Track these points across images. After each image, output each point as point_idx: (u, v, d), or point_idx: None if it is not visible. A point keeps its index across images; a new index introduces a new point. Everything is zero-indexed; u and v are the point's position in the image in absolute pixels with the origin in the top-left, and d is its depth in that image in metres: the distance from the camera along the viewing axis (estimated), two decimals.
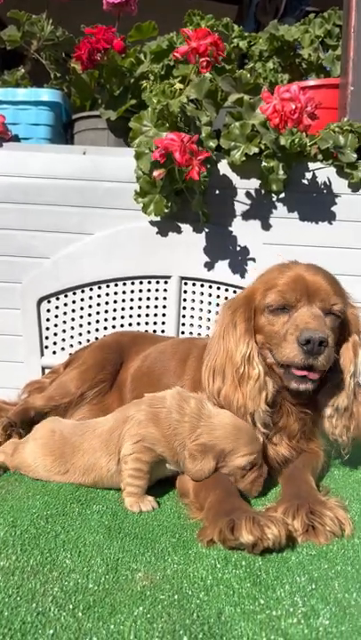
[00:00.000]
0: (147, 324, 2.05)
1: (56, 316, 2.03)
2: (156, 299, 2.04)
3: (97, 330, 2.04)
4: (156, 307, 2.05)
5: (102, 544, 1.03)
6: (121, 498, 1.23)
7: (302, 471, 1.29)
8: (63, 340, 2.04)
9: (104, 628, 0.78)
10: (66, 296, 2.03)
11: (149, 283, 2.04)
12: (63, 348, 2.04)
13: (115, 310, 2.04)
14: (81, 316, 2.04)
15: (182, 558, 1.00)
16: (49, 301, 2.03)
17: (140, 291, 2.04)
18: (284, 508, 1.13)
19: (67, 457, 1.31)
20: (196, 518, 1.14)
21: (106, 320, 2.04)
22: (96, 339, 2.01)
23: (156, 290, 2.04)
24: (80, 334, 2.04)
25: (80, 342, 2.03)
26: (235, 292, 2.01)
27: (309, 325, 1.19)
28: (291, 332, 1.21)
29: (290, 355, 1.20)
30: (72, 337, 2.04)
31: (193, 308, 2.05)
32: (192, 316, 2.05)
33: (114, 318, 2.04)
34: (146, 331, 2.04)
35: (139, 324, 2.05)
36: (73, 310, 2.03)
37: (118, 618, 0.80)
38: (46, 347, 2.04)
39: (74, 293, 2.03)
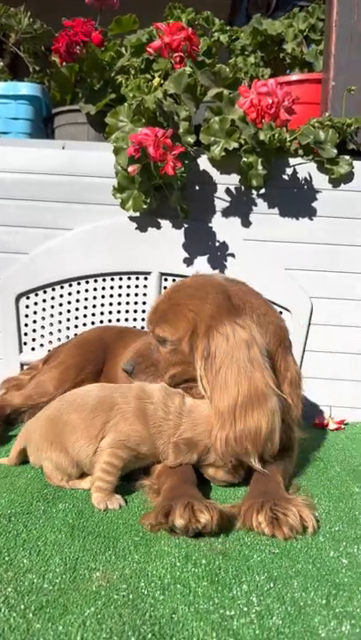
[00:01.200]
0: (127, 320, 2.04)
1: (35, 313, 2.02)
2: (136, 294, 2.03)
3: (76, 326, 2.03)
4: (136, 302, 2.03)
5: (63, 543, 1.02)
6: (89, 495, 1.22)
7: (272, 470, 1.28)
8: (42, 336, 2.03)
9: (52, 629, 0.77)
10: (45, 292, 2.01)
11: (129, 279, 2.02)
12: (42, 345, 2.03)
13: (94, 306, 2.03)
14: (60, 312, 2.02)
15: (143, 557, 0.99)
16: (28, 297, 2.01)
17: (120, 287, 2.03)
18: (248, 504, 1.13)
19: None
20: (152, 503, 1.18)
21: (85, 316, 2.03)
22: (75, 335, 2.00)
23: (136, 286, 2.03)
24: (59, 330, 2.03)
25: (59, 339, 2.02)
26: None
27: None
28: None
29: None
30: (51, 333, 2.03)
31: None
32: None
33: (93, 314, 2.03)
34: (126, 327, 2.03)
35: (118, 319, 2.04)
36: (52, 306, 2.02)
37: (68, 619, 0.79)
38: (25, 343, 2.03)
39: (53, 289, 2.01)
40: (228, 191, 1.98)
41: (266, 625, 0.81)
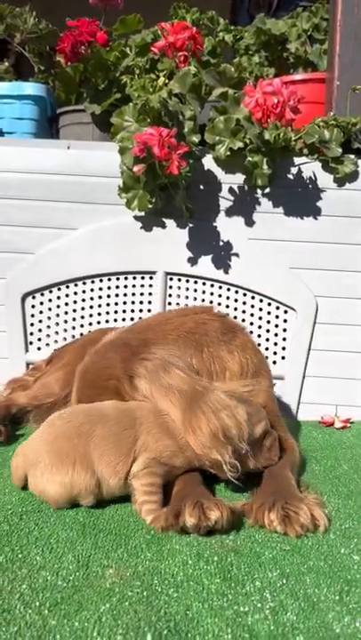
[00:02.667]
0: (132, 319, 2.04)
1: (41, 312, 2.02)
2: (142, 294, 2.04)
3: (82, 326, 2.03)
4: (141, 302, 2.04)
5: (75, 541, 1.03)
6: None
7: (282, 468, 1.29)
8: (48, 335, 2.04)
9: (68, 625, 0.77)
10: (50, 292, 2.02)
11: (135, 278, 2.03)
12: (48, 344, 2.03)
13: (100, 306, 2.03)
14: (66, 312, 2.03)
15: (155, 555, 0.99)
16: (33, 297, 2.02)
17: (126, 286, 2.03)
18: (260, 502, 1.14)
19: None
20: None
21: (91, 316, 2.03)
22: (81, 334, 2.01)
23: (142, 285, 2.03)
24: (65, 330, 2.03)
25: (65, 338, 2.03)
26: (220, 287, 2.00)
27: None
28: None
29: None
30: (57, 333, 2.03)
31: (178, 304, 2.04)
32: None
33: (99, 314, 2.03)
34: None
35: (124, 319, 2.04)
36: (58, 306, 2.02)
37: (84, 615, 0.80)
38: (31, 342, 2.03)
39: (58, 289, 2.02)
40: (232, 190, 1.98)
41: (280, 620, 0.81)
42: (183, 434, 1.18)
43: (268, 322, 2.01)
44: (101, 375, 1.32)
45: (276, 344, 2.01)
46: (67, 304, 2.02)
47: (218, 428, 1.15)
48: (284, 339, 2.01)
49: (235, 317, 2.00)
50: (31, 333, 2.03)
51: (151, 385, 1.24)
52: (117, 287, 2.03)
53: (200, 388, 1.23)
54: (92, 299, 2.03)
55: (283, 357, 2.01)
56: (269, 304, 2.00)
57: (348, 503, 1.26)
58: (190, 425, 1.17)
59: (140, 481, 1.14)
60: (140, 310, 2.04)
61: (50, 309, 2.02)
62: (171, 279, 2.03)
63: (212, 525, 1.04)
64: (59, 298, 2.02)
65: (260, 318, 2.00)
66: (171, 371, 1.25)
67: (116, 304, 2.03)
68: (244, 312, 2.00)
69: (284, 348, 2.01)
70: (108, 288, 2.03)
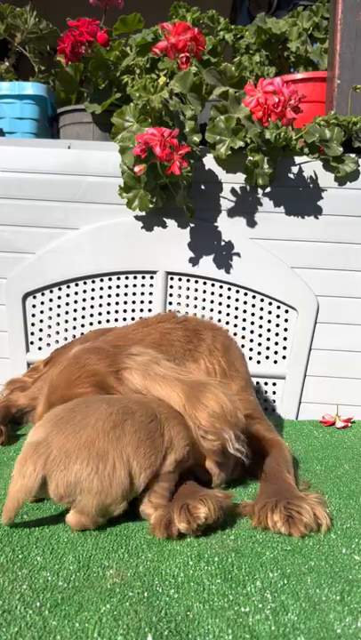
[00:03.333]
0: (133, 319, 2.04)
1: (41, 312, 2.02)
2: (142, 294, 2.03)
3: (82, 325, 2.03)
4: (142, 302, 2.04)
5: (76, 541, 1.02)
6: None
7: (279, 469, 1.29)
8: (49, 335, 2.04)
9: (69, 625, 0.77)
10: (51, 291, 2.02)
11: (135, 278, 2.03)
12: (49, 344, 2.03)
13: (100, 306, 2.03)
14: (66, 312, 2.03)
15: (156, 555, 0.99)
16: (34, 297, 2.02)
17: (126, 286, 2.03)
18: (262, 503, 1.13)
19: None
20: None
21: (92, 315, 2.03)
22: (81, 334, 2.01)
23: (142, 285, 2.03)
24: (66, 330, 2.03)
25: (66, 338, 2.03)
26: (221, 287, 2.00)
27: None
28: None
29: None
30: (58, 333, 2.03)
31: (179, 303, 2.04)
32: (178, 312, 2.04)
33: (100, 314, 2.03)
34: None
35: (125, 319, 2.04)
36: (58, 306, 2.02)
37: (84, 615, 0.80)
38: (32, 342, 2.04)
39: (59, 289, 2.02)
40: (233, 190, 1.98)
41: (281, 621, 0.81)
42: (188, 417, 1.14)
43: (270, 321, 2.00)
44: (81, 373, 1.22)
45: (277, 343, 2.01)
46: (67, 304, 2.02)
47: (228, 408, 1.14)
48: (285, 338, 2.01)
49: (235, 317, 2.00)
50: (32, 333, 2.03)
51: (145, 375, 1.20)
52: (118, 287, 2.03)
53: (195, 378, 1.22)
54: (92, 298, 2.03)
55: (284, 357, 2.01)
56: (270, 303, 2.00)
57: (350, 503, 1.26)
58: (199, 403, 1.13)
59: (163, 484, 1.09)
60: (141, 310, 2.04)
61: (50, 309, 2.02)
62: (171, 279, 2.03)
63: (203, 522, 1.03)
64: (59, 298, 2.02)
65: (261, 318, 2.00)
66: (162, 364, 1.24)
67: (117, 304, 2.03)
68: (245, 312, 2.00)
69: (285, 348, 2.01)
70: (109, 288, 2.02)
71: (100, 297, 2.02)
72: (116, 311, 2.03)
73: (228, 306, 2.01)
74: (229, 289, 2.01)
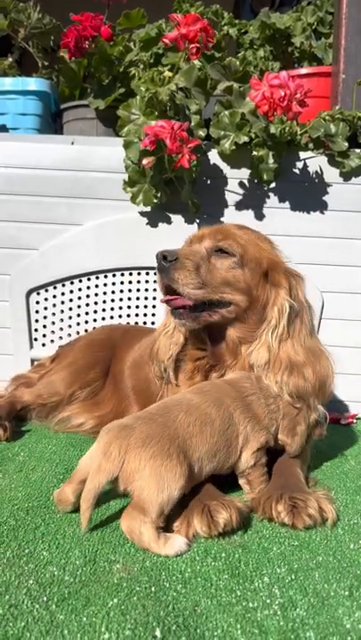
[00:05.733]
0: (137, 315, 2.04)
1: (45, 308, 2.02)
2: (147, 290, 2.03)
3: (86, 322, 2.02)
4: (146, 298, 2.03)
5: (82, 536, 1.02)
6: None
7: (291, 464, 1.28)
8: (53, 332, 2.03)
9: (76, 620, 0.77)
10: (55, 288, 2.01)
11: (139, 274, 2.02)
12: (53, 341, 2.03)
13: (104, 302, 2.02)
14: (70, 308, 2.02)
15: None
16: (38, 293, 2.01)
17: (130, 282, 2.02)
18: (268, 495, 1.13)
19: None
20: None
21: (96, 312, 2.02)
22: (86, 331, 2.00)
23: (147, 281, 2.02)
24: (70, 326, 2.03)
25: (70, 334, 2.02)
26: None
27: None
28: None
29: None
30: (62, 329, 2.03)
31: None
32: None
33: (104, 310, 2.02)
34: (136, 323, 2.03)
35: (129, 315, 2.03)
36: (62, 302, 2.02)
37: (92, 610, 0.79)
38: (35, 339, 2.03)
39: (63, 285, 2.01)
40: (238, 185, 1.97)
41: (290, 616, 0.80)
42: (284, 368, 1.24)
43: None
44: (260, 242, 1.40)
45: None
46: (71, 300, 2.02)
47: (326, 373, 1.28)
48: None
49: None
50: (36, 330, 2.03)
51: (297, 310, 1.31)
52: (122, 283, 2.02)
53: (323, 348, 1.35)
54: (96, 294, 2.02)
55: None
56: None
57: (356, 499, 1.25)
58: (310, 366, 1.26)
59: (257, 472, 1.18)
60: (145, 306, 2.03)
61: (54, 305, 2.02)
62: None
63: (222, 530, 1.01)
64: (63, 294, 2.01)
65: None
66: (308, 313, 1.37)
67: (121, 300, 2.02)
68: None
69: None
70: (113, 284, 2.01)
71: (105, 293, 2.01)
72: (120, 307, 2.03)
73: None
74: None
